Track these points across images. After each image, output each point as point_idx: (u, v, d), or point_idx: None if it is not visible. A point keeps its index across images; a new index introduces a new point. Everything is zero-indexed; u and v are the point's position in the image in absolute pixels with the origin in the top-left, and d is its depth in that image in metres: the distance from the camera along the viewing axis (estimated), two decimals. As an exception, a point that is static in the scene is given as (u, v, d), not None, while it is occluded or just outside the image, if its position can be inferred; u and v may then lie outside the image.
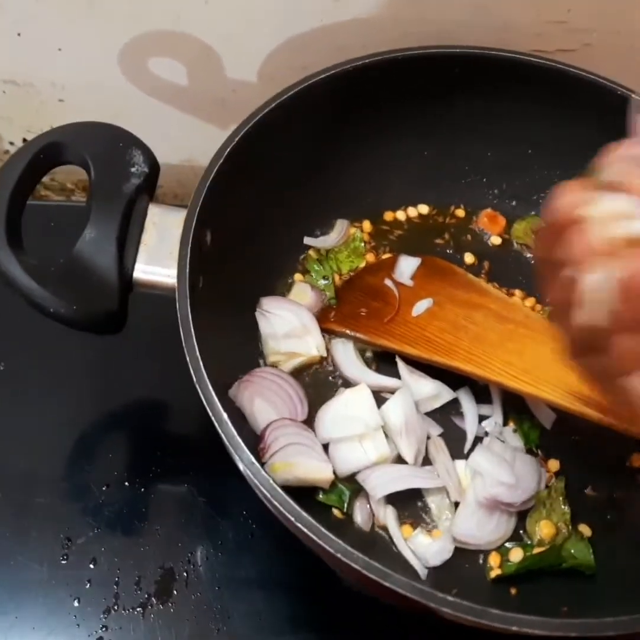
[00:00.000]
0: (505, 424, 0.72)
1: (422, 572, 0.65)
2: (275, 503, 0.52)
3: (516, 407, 0.73)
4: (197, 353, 0.56)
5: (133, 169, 0.63)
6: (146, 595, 0.69)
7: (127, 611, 0.68)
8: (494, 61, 0.76)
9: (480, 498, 0.65)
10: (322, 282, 0.79)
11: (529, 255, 0.83)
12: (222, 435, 0.54)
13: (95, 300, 0.60)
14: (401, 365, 0.72)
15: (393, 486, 0.66)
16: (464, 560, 0.67)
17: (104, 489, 0.73)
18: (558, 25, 0.80)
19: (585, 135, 0.78)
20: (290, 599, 0.70)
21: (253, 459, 0.53)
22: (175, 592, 0.69)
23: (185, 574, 0.70)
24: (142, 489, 0.73)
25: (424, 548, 0.66)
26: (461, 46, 0.76)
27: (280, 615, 0.69)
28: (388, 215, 0.84)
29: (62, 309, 0.58)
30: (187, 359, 0.56)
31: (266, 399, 0.67)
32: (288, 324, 0.73)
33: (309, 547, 0.54)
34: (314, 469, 0.64)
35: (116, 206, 0.62)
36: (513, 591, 0.64)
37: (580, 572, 0.65)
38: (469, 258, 0.82)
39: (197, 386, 0.55)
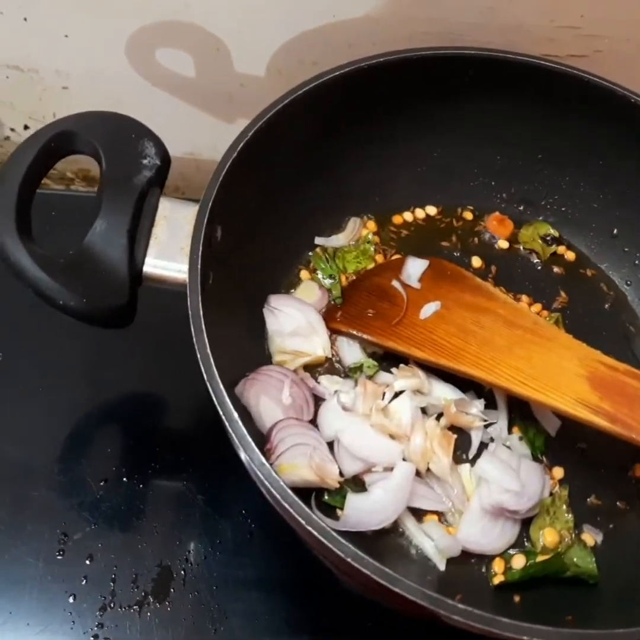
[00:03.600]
0: (510, 430, 0.72)
1: (440, 563, 0.65)
2: (285, 505, 0.51)
3: (521, 413, 0.72)
4: (208, 350, 0.55)
5: (145, 161, 0.62)
6: (143, 593, 0.68)
7: (123, 609, 0.67)
8: (506, 64, 0.75)
9: (485, 505, 0.65)
10: (327, 281, 0.78)
11: (536, 260, 0.83)
12: (232, 435, 0.53)
13: (105, 293, 0.59)
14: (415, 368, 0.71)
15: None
16: (468, 565, 0.66)
17: (101, 484, 0.72)
18: (570, 31, 0.80)
19: (595, 141, 0.79)
20: (288, 600, 0.69)
21: (263, 460, 0.52)
22: (172, 590, 0.68)
23: (182, 572, 0.69)
24: (140, 486, 0.73)
25: (437, 538, 0.66)
26: (474, 48, 0.75)
27: (278, 616, 0.68)
28: (395, 216, 0.84)
29: (71, 301, 0.57)
30: (198, 355, 0.55)
31: (272, 397, 0.67)
32: (295, 322, 0.72)
33: (317, 550, 0.53)
34: (321, 470, 0.64)
35: (127, 198, 0.60)
36: (516, 599, 0.64)
37: (584, 580, 0.65)
38: (476, 261, 0.82)
39: (208, 384, 0.54)
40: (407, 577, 0.61)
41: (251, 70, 0.85)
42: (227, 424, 0.54)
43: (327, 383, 0.71)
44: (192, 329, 0.56)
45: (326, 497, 0.66)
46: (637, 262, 0.82)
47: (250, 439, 0.53)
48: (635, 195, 0.80)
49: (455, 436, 0.68)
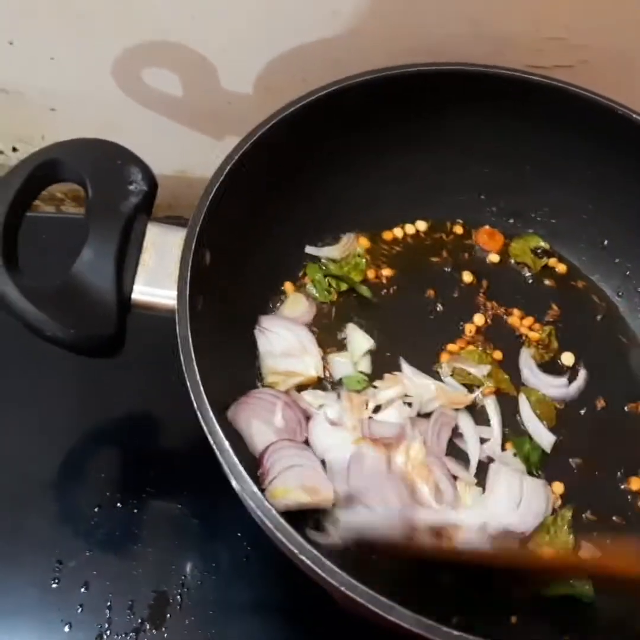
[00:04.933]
0: (503, 447, 0.71)
1: None
2: (278, 534, 0.51)
3: (515, 429, 0.72)
4: (198, 377, 0.55)
5: (131, 187, 0.62)
6: (139, 620, 0.67)
7: (120, 636, 0.67)
8: (492, 78, 0.75)
9: (491, 530, 0.64)
10: (314, 291, 0.79)
11: (527, 274, 0.83)
12: (223, 464, 0.53)
13: (93, 323, 0.58)
14: (405, 366, 0.72)
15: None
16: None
17: (95, 510, 0.72)
18: (556, 42, 0.80)
19: (582, 153, 0.78)
20: (285, 624, 0.69)
21: (255, 489, 0.52)
22: (168, 616, 0.68)
23: (179, 597, 0.69)
24: (135, 510, 0.72)
25: None
26: (457, 63, 0.75)
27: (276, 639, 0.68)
28: (386, 232, 0.84)
29: (59, 332, 0.56)
30: (188, 384, 0.55)
31: (264, 420, 0.66)
32: (286, 343, 0.72)
33: (311, 577, 0.53)
34: (315, 492, 0.63)
35: (114, 226, 0.60)
36: (513, 620, 0.64)
37: (580, 599, 0.65)
38: (467, 276, 0.81)
39: (198, 412, 0.54)
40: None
41: (238, 88, 0.85)
42: (218, 453, 0.53)
43: (311, 398, 0.70)
44: (182, 357, 0.56)
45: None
46: (628, 273, 0.82)
47: (241, 468, 0.52)
48: (623, 206, 0.80)
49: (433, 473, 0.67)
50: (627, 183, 0.78)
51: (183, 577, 0.70)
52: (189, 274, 0.59)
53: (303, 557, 0.50)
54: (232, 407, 0.66)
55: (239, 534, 0.72)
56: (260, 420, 0.66)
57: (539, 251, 0.84)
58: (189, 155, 0.94)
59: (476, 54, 0.77)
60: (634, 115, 0.73)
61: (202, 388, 0.55)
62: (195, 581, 0.70)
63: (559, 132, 0.78)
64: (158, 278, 0.61)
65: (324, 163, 0.77)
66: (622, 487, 0.72)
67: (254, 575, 0.70)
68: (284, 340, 0.72)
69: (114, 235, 0.60)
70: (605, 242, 0.82)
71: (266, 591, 0.70)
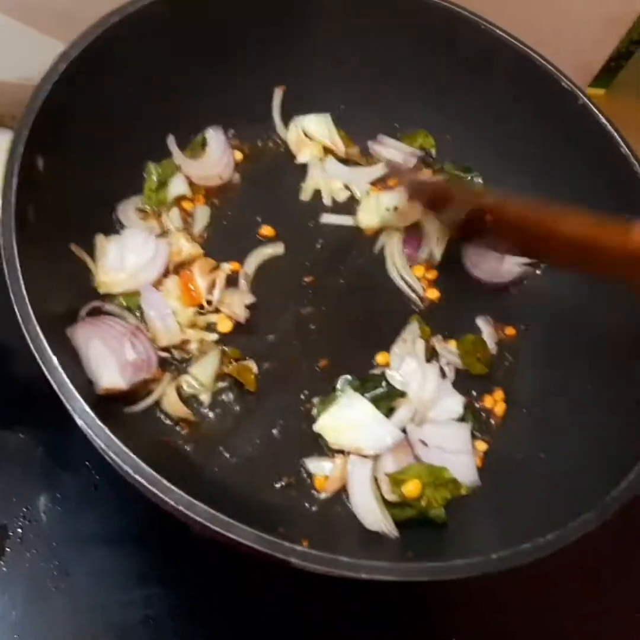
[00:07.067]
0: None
1: None
2: (112, 455, 0.48)
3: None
4: (24, 293, 0.51)
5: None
6: (-26, 555, 0.64)
7: (-48, 571, 0.63)
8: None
9: None
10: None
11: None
12: (52, 383, 0.49)
13: None
14: None
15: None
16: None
17: None
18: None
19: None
20: (136, 552, 0.67)
21: (86, 408, 0.48)
22: (8, 550, 0.64)
23: (19, 530, 0.65)
24: (-28, 441, 0.68)
25: None
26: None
27: (126, 570, 0.66)
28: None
29: None
30: (13, 301, 0.51)
31: (108, 345, 0.62)
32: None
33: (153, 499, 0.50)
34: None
35: None
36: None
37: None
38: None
39: (25, 330, 0.50)
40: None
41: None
42: (45, 370, 0.50)
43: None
44: (6, 271, 0.51)
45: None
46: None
47: (72, 387, 0.49)
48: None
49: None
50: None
51: (25, 509, 0.66)
52: (15, 180, 0.54)
53: (139, 477, 0.48)
54: (74, 326, 0.62)
55: (87, 463, 0.69)
56: (104, 344, 0.62)
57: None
58: (36, 61, 0.86)
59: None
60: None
61: (28, 306, 0.51)
62: (39, 512, 0.66)
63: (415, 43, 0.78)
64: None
65: (171, 66, 0.72)
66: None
67: (102, 504, 0.67)
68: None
69: None
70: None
71: (116, 520, 0.67)
